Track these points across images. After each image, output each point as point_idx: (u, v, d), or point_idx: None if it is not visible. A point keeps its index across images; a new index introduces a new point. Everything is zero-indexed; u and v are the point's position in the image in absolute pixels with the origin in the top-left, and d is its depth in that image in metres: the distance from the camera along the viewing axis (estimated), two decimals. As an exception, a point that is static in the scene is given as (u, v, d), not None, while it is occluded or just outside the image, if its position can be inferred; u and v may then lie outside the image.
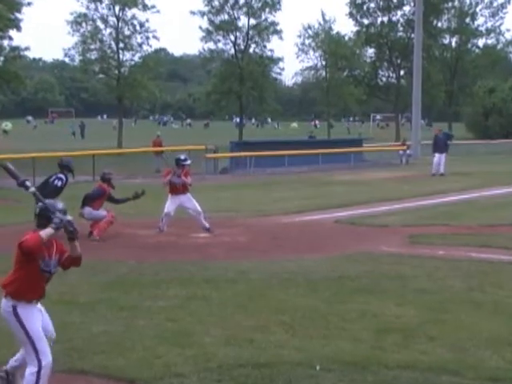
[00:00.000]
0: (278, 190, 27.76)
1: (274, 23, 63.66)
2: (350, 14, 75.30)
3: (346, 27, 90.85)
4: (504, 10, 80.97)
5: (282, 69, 68.53)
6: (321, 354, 8.23)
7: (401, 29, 75.99)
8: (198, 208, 17.15)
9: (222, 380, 7.53)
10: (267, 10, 63.20)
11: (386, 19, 75.86)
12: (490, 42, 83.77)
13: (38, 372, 6.60)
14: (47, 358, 6.66)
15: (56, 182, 15.99)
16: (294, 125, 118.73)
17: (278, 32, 63.95)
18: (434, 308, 10.06)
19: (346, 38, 72.21)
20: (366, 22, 75.89)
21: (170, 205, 17.07)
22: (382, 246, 15.16)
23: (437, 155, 34.78)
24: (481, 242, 15.28)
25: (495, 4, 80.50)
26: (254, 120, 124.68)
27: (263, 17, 63.60)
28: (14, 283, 6.63)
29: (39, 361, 6.61)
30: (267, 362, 7.99)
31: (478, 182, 29.85)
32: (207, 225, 17.15)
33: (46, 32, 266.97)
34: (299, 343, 8.64)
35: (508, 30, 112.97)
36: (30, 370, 6.62)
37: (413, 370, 7.76)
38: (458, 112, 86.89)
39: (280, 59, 66.47)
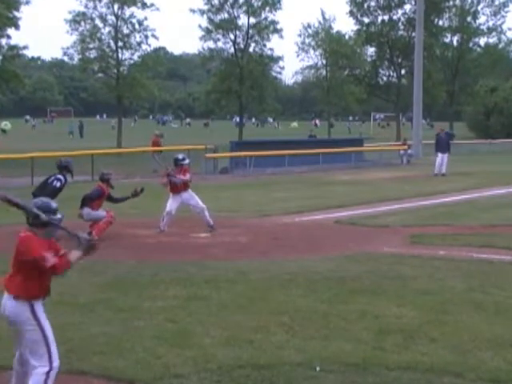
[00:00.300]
0: (279, 189, 27.71)
1: (274, 22, 63.60)
2: (351, 13, 75.31)
3: (346, 26, 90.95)
4: (506, 9, 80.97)
5: (282, 68, 68.53)
6: (321, 354, 8.20)
7: (402, 27, 75.93)
8: (202, 204, 17.13)
9: (221, 381, 7.51)
10: (267, 8, 63.14)
11: (386, 18, 75.85)
12: (491, 41, 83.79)
13: (48, 372, 6.54)
14: (57, 359, 6.63)
15: (55, 183, 15.94)
16: (295, 124, 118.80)
17: (278, 31, 63.89)
18: (435, 309, 10.02)
19: (347, 36, 72.16)
20: (366, 20, 75.93)
21: (172, 203, 17.03)
22: (382, 247, 15.12)
23: (439, 155, 34.67)
24: (482, 243, 15.24)
25: (497, 3, 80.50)
26: (254, 119, 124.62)
27: (263, 16, 63.55)
28: (22, 285, 6.55)
29: (51, 362, 6.56)
30: (267, 363, 7.97)
31: (479, 181, 29.82)
32: (211, 221, 17.11)
33: (45, 31, 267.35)
34: (299, 344, 8.61)
35: (510, 29, 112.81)
36: (40, 370, 6.53)
37: (414, 371, 7.73)
38: (459, 111, 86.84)
39: (280, 58, 66.44)
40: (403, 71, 76.00)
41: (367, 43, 74.82)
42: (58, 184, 15.94)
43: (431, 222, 18.61)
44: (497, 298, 10.66)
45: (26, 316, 6.56)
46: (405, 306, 10.19)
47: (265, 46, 64.67)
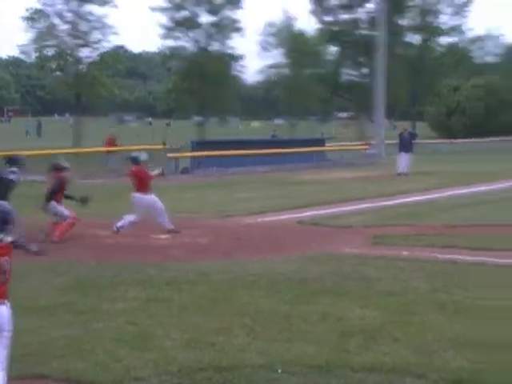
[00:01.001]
0: (240, 190, 27.62)
1: (235, 21, 63.55)
2: (313, 12, 75.33)
3: (309, 25, 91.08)
4: (467, 9, 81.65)
5: (244, 67, 68.51)
6: (283, 356, 8.13)
7: (364, 27, 76.03)
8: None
9: (182, 383, 7.40)
10: (228, 7, 63.07)
11: (348, 17, 75.90)
12: (452, 40, 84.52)
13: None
14: None
15: (11, 176, 15.61)
16: (256, 124, 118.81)
17: (239, 29, 63.85)
18: (399, 310, 9.98)
19: (310, 35, 72.18)
20: (328, 19, 75.85)
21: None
22: (345, 247, 15.08)
23: (402, 154, 34.84)
24: (444, 243, 15.25)
25: (458, 2, 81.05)
26: (215, 119, 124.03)
27: (224, 14, 63.40)
28: (6, 290, 6.62)
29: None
30: (229, 365, 7.88)
31: (441, 181, 29.96)
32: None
33: (1, 28, 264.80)
34: (261, 346, 8.52)
35: (471, 29, 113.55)
36: (2, 376, 6.49)
37: (377, 372, 7.69)
38: (422, 111, 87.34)
39: (241, 57, 66.41)
40: (366, 70, 76.16)
41: (330, 42, 74.87)
42: (14, 177, 15.62)
43: (394, 222, 18.61)
44: (459, 298, 10.64)
45: (10, 320, 6.55)
46: (368, 307, 10.13)
47: (226, 44, 64.59)
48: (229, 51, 65.13)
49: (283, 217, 19.93)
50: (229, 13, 63.53)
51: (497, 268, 12.91)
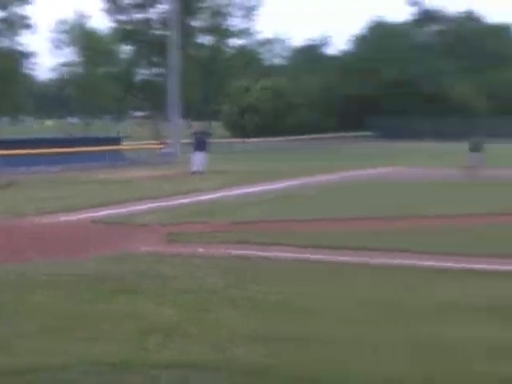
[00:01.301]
0: (33, 189, 27.05)
1: (24, 17, 61.93)
2: (106, 10, 74.56)
3: (103, 23, 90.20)
4: (255, 12, 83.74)
5: (36, 64, 66.96)
6: (82, 357, 8.03)
7: (157, 27, 76.16)
8: None
9: (-29, 392, 7.23)
10: (17, 3, 61.37)
11: (142, 16, 75.73)
12: (242, 42, 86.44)
13: None
14: None
15: None
16: (49, 122, 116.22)
17: (29, 26, 62.26)
18: (195, 307, 10.10)
19: (103, 34, 71.42)
20: (122, 18, 75.30)
21: None
22: (141, 246, 15.10)
23: (197, 153, 35.39)
24: (237, 239, 15.62)
25: (248, 5, 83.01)
26: (6, 118, 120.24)
27: (12, 10, 61.60)
28: None
29: None
30: (25, 368, 7.69)
31: (233, 180, 30.65)
32: None
33: None
34: (59, 347, 8.39)
35: (260, 32, 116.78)
36: None
37: (174, 368, 7.74)
38: (217, 111, 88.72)
39: (32, 54, 64.80)
40: (160, 70, 76.33)
41: (124, 41, 74.37)
42: None
43: (189, 219, 18.87)
44: (252, 294, 10.87)
45: None
46: (164, 304, 10.18)
47: (15, 41, 62.82)
48: (19, 48, 63.35)
49: (77, 216, 19.71)
50: (17, 9, 61.83)
51: (285, 263, 13.35)
